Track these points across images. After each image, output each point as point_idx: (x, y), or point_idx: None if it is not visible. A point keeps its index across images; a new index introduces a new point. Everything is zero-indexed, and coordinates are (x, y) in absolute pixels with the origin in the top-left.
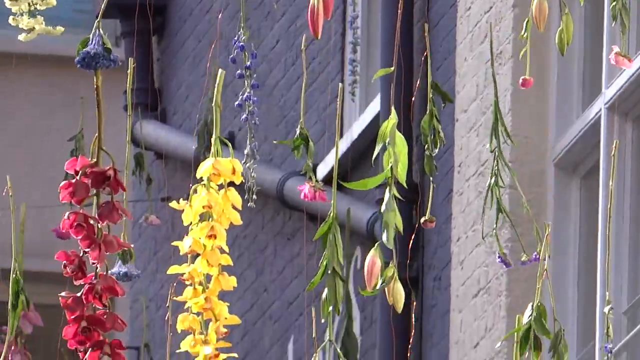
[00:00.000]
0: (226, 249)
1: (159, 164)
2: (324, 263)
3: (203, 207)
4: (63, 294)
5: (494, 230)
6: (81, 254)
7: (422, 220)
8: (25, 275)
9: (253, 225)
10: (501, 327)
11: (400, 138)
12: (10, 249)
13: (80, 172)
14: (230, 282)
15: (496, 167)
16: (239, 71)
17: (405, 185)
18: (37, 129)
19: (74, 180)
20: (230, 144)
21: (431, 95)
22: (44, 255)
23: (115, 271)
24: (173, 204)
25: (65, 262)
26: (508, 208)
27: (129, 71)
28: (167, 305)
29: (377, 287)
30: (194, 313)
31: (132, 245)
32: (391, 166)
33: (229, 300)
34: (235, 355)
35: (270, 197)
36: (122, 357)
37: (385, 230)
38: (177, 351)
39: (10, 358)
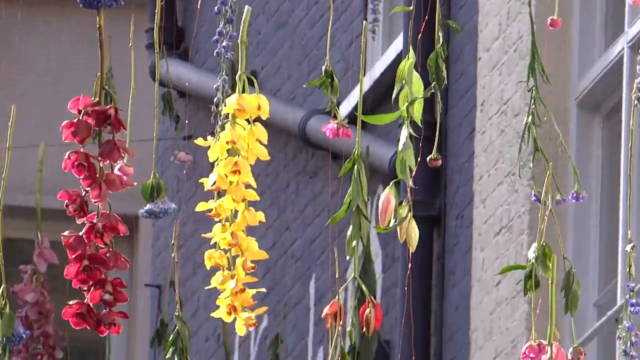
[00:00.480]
0: (253, 183)
1: (182, 102)
2: (348, 200)
3: (227, 142)
4: (66, 232)
5: (529, 170)
6: (83, 194)
7: (428, 158)
8: (45, 213)
9: (275, 163)
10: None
11: (417, 77)
12: (28, 187)
13: (83, 111)
14: (257, 217)
15: (533, 106)
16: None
17: (420, 124)
18: (63, 68)
19: (75, 120)
20: (255, 81)
21: (439, 33)
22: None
23: (149, 209)
24: (198, 141)
25: (67, 201)
26: (534, 146)
27: (156, 10)
28: (172, 243)
29: (391, 225)
30: (221, 249)
31: (159, 179)
32: (407, 105)
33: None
34: (264, 289)
35: (293, 136)
36: (123, 295)
37: (401, 169)
38: (206, 287)
39: (20, 294)
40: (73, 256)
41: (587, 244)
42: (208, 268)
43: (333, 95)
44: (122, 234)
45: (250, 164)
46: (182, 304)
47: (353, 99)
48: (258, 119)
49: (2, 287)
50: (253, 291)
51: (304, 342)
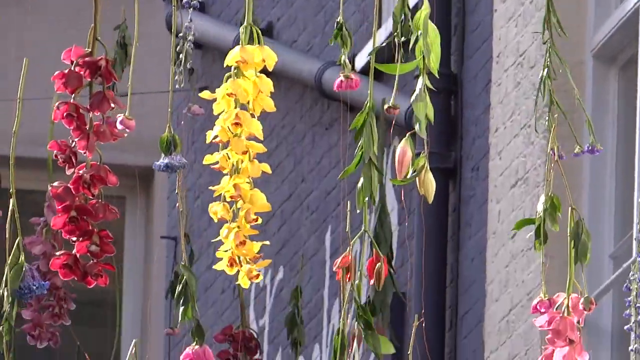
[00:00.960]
0: (260, 135)
1: (197, 53)
2: (360, 153)
3: (228, 94)
4: (55, 183)
5: (546, 121)
6: (72, 144)
7: (386, 107)
8: (56, 164)
9: (291, 115)
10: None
11: (433, 28)
12: (40, 139)
13: (75, 62)
14: (260, 169)
15: (548, 59)
16: None
17: (437, 75)
18: (77, 20)
19: (66, 70)
20: (259, 33)
21: None
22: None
23: (162, 162)
24: (204, 94)
25: (56, 151)
26: (549, 99)
27: None
28: (175, 192)
29: (408, 177)
30: (226, 201)
31: (174, 133)
32: (423, 56)
33: (267, 190)
34: (267, 242)
35: (309, 87)
36: (110, 247)
37: (416, 121)
38: (213, 240)
39: (29, 247)
40: (60, 207)
41: (602, 196)
42: (216, 221)
43: (344, 48)
44: (111, 185)
45: (256, 115)
46: (197, 256)
47: (368, 50)
48: (264, 71)
49: (17, 239)
50: (257, 244)
51: (320, 295)
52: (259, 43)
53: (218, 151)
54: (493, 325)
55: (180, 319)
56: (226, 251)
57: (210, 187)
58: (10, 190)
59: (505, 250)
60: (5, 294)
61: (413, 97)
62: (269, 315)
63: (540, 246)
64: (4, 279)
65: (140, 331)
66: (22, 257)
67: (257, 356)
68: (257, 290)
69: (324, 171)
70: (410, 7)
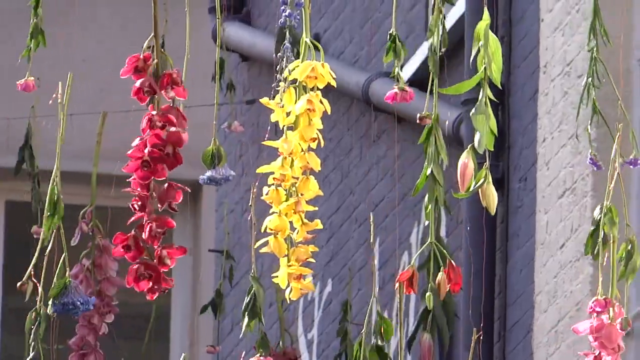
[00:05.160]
0: (316, 167)
1: (244, 66)
2: (427, 167)
3: (307, 110)
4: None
5: (586, 131)
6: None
7: (419, 115)
8: (100, 179)
9: (338, 127)
10: (587, 228)
11: (493, 39)
12: (86, 154)
13: (148, 70)
14: (314, 187)
15: (594, 67)
16: None
17: (500, 86)
18: (125, 34)
19: (143, 80)
20: (320, 48)
21: None
22: (122, 159)
23: (208, 176)
24: (263, 100)
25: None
26: (592, 109)
27: None
28: (249, 205)
29: (471, 189)
30: (282, 215)
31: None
32: (485, 67)
33: (315, 203)
34: (313, 260)
35: (356, 99)
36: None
37: (476, 133)
38: (261, 251)
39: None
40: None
41: None
42: (264, 230)
43: (397, 60)
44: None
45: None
46: (244, 270)
47: (415, 61)
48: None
49: (63, 255)
50: (309, 248)
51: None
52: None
53: (268, 163)
54: (542, 336)
55: (243, 330)
56: (289, 266)
57: (262, 197)
58: (58, 206)
59: (553, 260)
60: (43, 308)
61: (474, 109)
62: (318, 328)
63: (596, 252)
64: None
65: (188, 345)
66: (67, 273)
67: None
68: (306, 303)
69: (372, 183)
70: (449, 20)
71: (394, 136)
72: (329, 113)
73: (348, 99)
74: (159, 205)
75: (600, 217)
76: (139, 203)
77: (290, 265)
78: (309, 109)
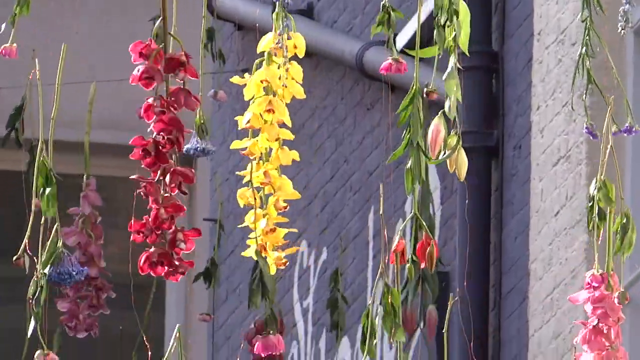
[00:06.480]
0: (288, 122)
1: (238, 35)
2: (407, 136)
3: (261, 81)
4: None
5: (582, 99)
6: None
7: (425, 91)
8: (93, 147)
9: (332, 96)
10: (581, 196)
11: (463, 7)
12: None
13: (151, 56)
14: (290, 156)
15: (587, 37)
16: None
17: (467, 53)
18: (116, 8)
19: (144, 67)
20: (292, 18)
21: None
22: (118, 128)
23: (190, 147)
24: (234, 79)
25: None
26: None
27: None
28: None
29: (441, 156)
30: (254, 188)
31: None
32: (454, 35)
33: (309, 172)
34: (295, 230)
35: (350, 68)
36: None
37: (447, 99)
38: (239, 226)
39: (65, 237)
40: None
41: None
42: (241, 206)
43: (390, 31)
44: (190, 109)
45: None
46: (239, 239)
47: (409, 30)
48: (295, 57)
49: (55, 225)
50: (284, 231)
51: (363, 275)
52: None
53: (248, 137)
54: (537, 304)
55: (249, 306)
56: (255, 238)
57: (238, 173)
58: (52, 175)
59: (548, 228)
60: (42, 278)
61: (444, 75)
62: (313, 297)
63: (593, 227)
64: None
65: (184, 315)
66: (60, 242)
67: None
68: (301, 272)
69: (366, 152)
70: None
71: (388, 105)
72: (300, 81)
73: (342, 68)
74: (169, 191)
75: (594, 194)
76: (148, 189)
77: (258, 237)
78: (268, 110)
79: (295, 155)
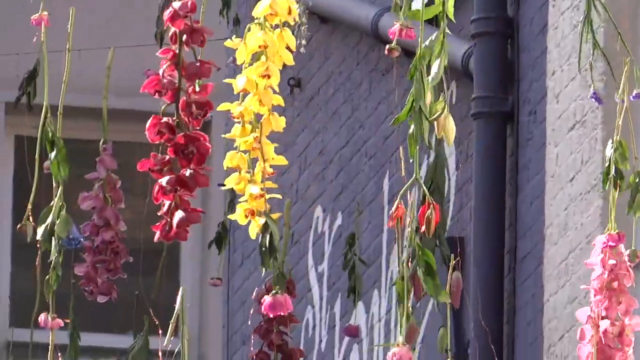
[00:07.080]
0: (277, 89)
1: (253, 0)
2: (411, 100)
3: (259, 47)
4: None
5: (589, 65)
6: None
7: (387, 47)
8: (110, 113)
9: (348, 61)
10: (597, 160)
11: None
12: (95, 88)
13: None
14: (280, 123)
15: (592, 2)
16: None
17: (453, 20)
18: None
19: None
20: None
21: None
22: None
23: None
24: (227, 43)
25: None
26: (603, 42)
27: None
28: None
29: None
30: (241, 151)
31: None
32: (443, 1)
33: (324, 137)
34: (279, 196)
35: (365, 34)
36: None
37: (433, 65)
38: (222, 188)
39: (81, 202)
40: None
41: None
42: (225, 168)
43: None
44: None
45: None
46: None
47: None
48: (286, 24)
49: (60, 189)
50: (270, 196)
51: (379, 240)
52: None
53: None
54: (552, 269)
55: (263, 270)
56: (244, 202)
57: (223, 135)
58: (59, 140)
59: (563, 193)
60: (54, 242)
61: (427, 42)
62: (328, 262)
63: (609, 186)
64: (47, 228)
65: (199, 281)
66: (63, 209)
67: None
68: (316, 237)
69: (381, 117)
70: None
71: (403, 70)
72: (294, 50)
73: (357, 34)
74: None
75: (612, 154)
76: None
77: (245, 201)
78: (264, 75)
79: (282, 121)
